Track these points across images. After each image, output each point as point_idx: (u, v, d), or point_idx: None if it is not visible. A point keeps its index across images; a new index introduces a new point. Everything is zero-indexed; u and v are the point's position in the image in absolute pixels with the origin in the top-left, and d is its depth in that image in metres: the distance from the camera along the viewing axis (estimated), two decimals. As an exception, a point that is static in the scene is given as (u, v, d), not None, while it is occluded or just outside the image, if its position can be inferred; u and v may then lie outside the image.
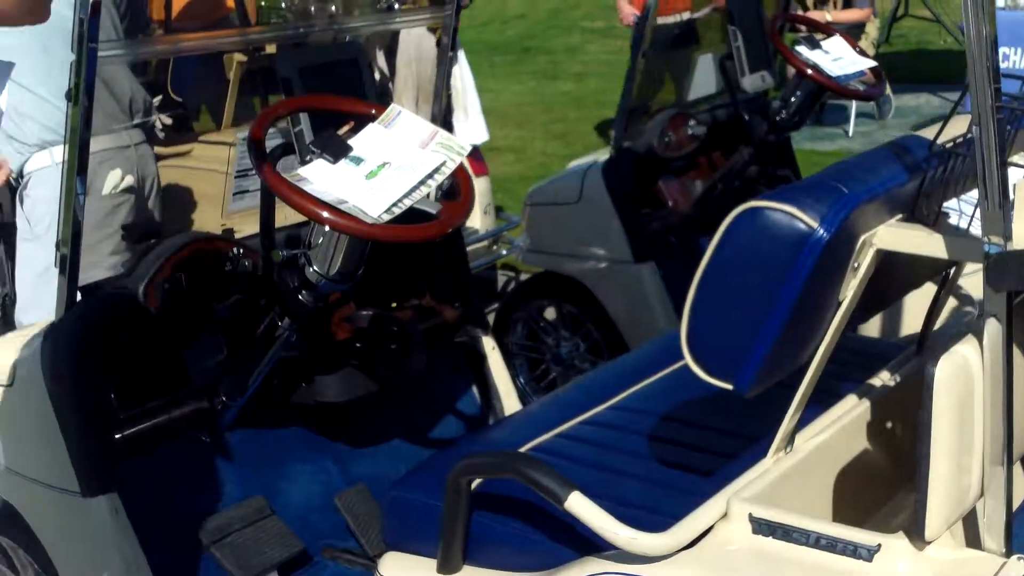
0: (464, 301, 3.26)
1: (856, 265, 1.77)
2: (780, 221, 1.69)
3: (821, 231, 1.66)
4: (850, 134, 8.79)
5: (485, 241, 5.46)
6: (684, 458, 2.13)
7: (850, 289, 1.79)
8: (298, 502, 2.86)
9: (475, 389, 3.31)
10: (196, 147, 4.39)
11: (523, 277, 5.41)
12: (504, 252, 5.55)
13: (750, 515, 1.79)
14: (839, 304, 1.81)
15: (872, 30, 8.71)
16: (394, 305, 3.19)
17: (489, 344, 3.32)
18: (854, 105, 8.70)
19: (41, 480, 2.58)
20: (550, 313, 4.72)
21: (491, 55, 12.97)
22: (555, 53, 13.82)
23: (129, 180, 3.49)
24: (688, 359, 1.80)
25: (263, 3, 4.36)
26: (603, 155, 4.44)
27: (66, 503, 2.52)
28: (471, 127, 5.50)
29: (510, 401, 3.30)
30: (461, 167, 2.31)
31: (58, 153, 3.31)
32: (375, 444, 3.06)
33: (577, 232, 4.39)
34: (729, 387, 1.79)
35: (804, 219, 1.67)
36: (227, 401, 2.66)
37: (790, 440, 1.99)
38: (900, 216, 1.83)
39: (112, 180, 3.47)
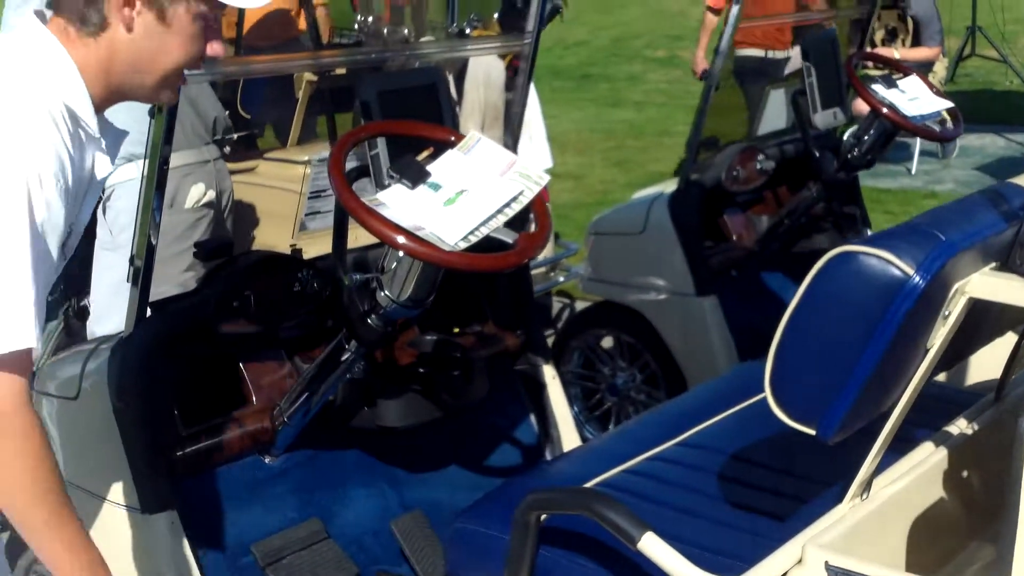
0: (526, 329, 3.24)
1: (947, 313, 1.73)
2: (875, 267, 1.65)
3: (917, 278, 1.62)
4: (913, 172, 8.69)
5: (543, 268, 5.45)
6: (755, 500, 2.08)
7: (939, 337, 1.74)
8: (354, 526, 2.83)
9: (533, 418, 3.28)
10: (261, 164, 4.41)
11: (578, 305, 5.38)
12: (561, 279, 5.53)
13: (826, 563, 1.74)
14: (926, 351, 1.76)
15: (940, 69, 8.62)
16: (456, 331, 3.17)
17: (550, 373, 3.29)
18: (918, 143, 8.60)
19: (101, 495, 2.57)
20: (607, 343, 4.69)
21: (551, 80, 12.97)
22: (616, 80, 13.81)
23: (211, 195, 3.52)
24: (770, 401, 1.76)
25: (336, 24, 4.38)
26: (670, 186, 4.41)
27: (125, 519, 2.51)
28: (536, 153, 5.49)
29: (568, 431, 3.27)
30: (539, 197, 2.29)
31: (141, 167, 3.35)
32: (432, 470, 3.03)
33: (640, 262, 4.36)
34: (812, 432, 1.74)
35: (900, 265, 1.63)
36: (288, 422, 2.65)
37: (867, 487, 1.94)
38: (994, 264, 1.78)
39: (195, 194, 3.50)
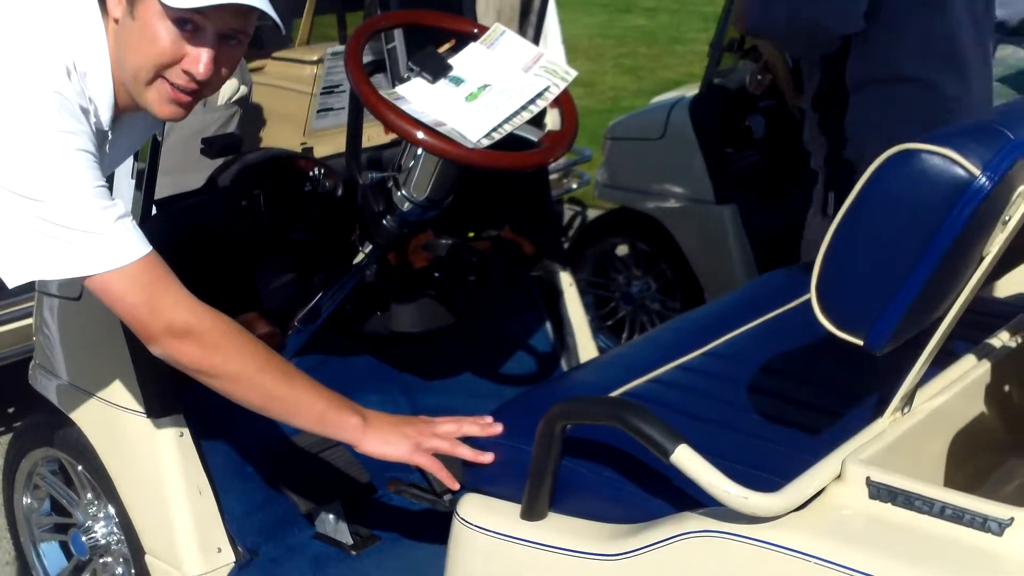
0: (543, 234, 3.14)
1: (1007, 218, 1.62)
2: (938, 166, 1.53)
3: (983, 179, 1.50)
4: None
5: (556, 174, 5.34)
6: (789, 412, 1.99)
7: (995, 244, 1.64)
8: (366, 433, 2.75)
9: (549, 325, 3.20)
10: (269, 64, 4.29)
11: (591, 212, 5.29)
12: (574, 186, 5.43)
13: (868, 479, 1.65)
14: (981, 259, 1.66)
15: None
16: (471, 235, 3.07)
17: (566, 280, 3.21)
18: None
19: (105, 398, 2.50)
20: (622, 251, 4.61)
21: (563, -15, 12.73)
22: (628, -14, 13.56)
23: (243, 90, 3.42)
24: (816, 309, 1.66)
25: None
26: (690, 91, 4.28)
27: (130, 422, 2.44)
28: (550, 53, 5.34)
29: (585, 339, 3.19)
30: (565, 93, 2.17)
31: None
32: (445, 377, 2.95)
33: (657, 169, 4.26)
34: (859, 343, 1.64)
35: (966, 165, 1.51)
36: (298, 326, 2.56)
37: (909, 400, 1.85)
38: (1059, 168, 1.67)
39: (227, 90, 3.41)
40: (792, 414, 1.98)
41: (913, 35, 2.66)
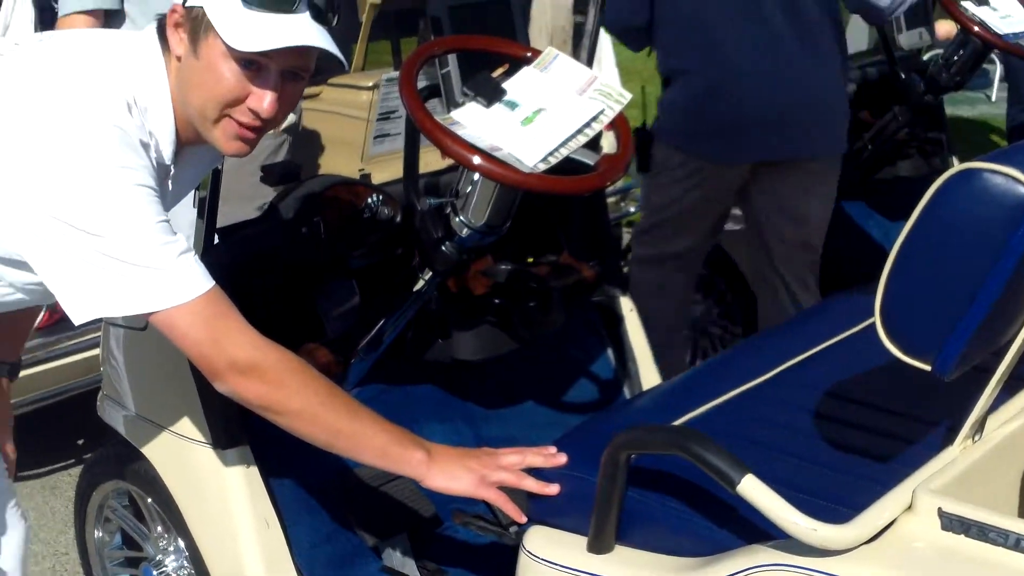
0: (602, 259, 3.12)
1: (1076, 238, 1.59)
2: (1002, 185, 1.51)
3: (1048, 198, 1.48)
4: (993, 99, 8.42)
5: (613, 198, 5.33)
6: (855, 440, 1.96)
7: (1065, 264, 1.61)
8: (429, 462, 2.75)
9: (610, 352, 3.18)
10: (325, 90, 4.32)
11: (648, 236, 5.25)
12: (632, 209, 5.40)
13: (939, 509, 1.62)
14: (1052, 281, 1.63)
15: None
16: (531, 260, 3.06)
17: (627, 305, 3.18)
18: (998, 68, 8.31)
19: (173, 429, 2.51)
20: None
21: (616, 7, 12.70)
22: (682, 7, 13.50)
23: (292, 118, 3.43)
24: (881, 334, 1.63)
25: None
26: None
27: (197, 454, 2.45)
28: (604, 77, 5.33)
29: (646, 365, 3.17)
30: (620, 116, 2.16)
31: None
32: (507, 405, 2.94)
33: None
34: (927, 368, 1.61)
35: (1030, 183, 1.48)
36: (359, 355, 2.56)
37: (980, 427, 1.81)
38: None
39: None
40: (860, 441, 1.95)
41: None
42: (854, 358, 2.23)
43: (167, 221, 1.78)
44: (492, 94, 2.09)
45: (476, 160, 1.97)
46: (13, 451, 2.43)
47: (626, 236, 5.90)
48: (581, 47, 3.21)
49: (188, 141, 1.91)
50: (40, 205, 1.71)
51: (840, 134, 3.44)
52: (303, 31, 1.78)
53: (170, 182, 1.93)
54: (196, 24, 1.78)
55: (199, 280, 1.78)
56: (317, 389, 1.88)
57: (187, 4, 1.79)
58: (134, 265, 1.72)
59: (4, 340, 2.39)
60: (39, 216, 1.71)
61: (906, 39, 4.04)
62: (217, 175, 2.28)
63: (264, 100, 1.80)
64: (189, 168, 2.01)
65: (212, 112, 1.81)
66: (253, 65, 1.78)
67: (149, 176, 1.77)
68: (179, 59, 1.82)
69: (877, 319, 1.63)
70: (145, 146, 1.79)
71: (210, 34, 1.77)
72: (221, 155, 2.05)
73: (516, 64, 2.22)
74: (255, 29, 1.75)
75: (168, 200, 1.93)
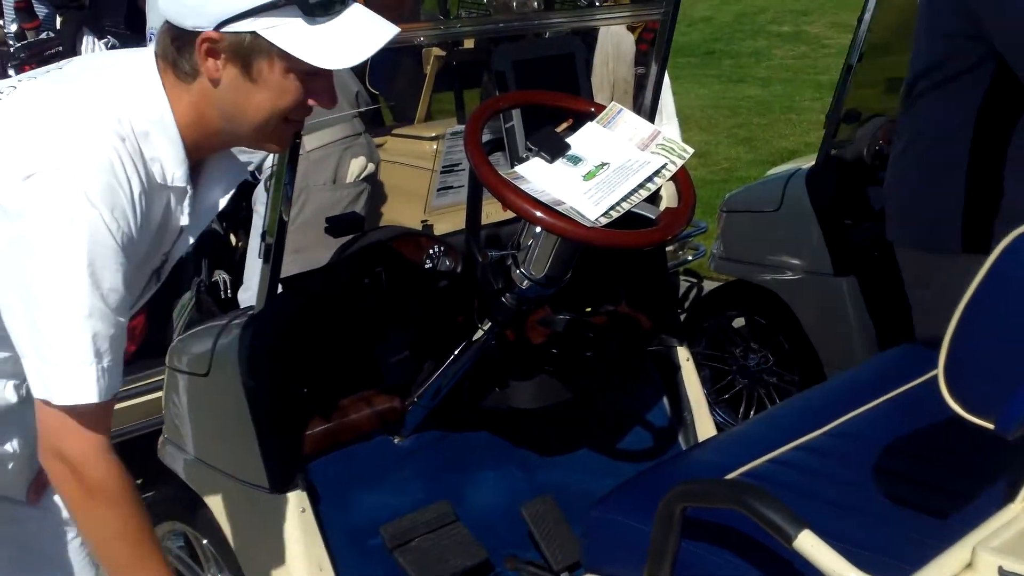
0: (660, 309, 3.13)
1: None
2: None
3: (1115, 257, 1.48)
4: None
5: (671, 246, 5.33)
6: (913, 495, 1.95)
7: None
8: (483, 509, 2.76)
9: (666, 401, 3.18)
10: (389, 140, 4.37)
11: (706, 284, 5.25)
12: (689, 258, 5.40)
13: (1000, 568, 1.61)
14: (1114, 339, 1.62)
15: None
16: (588, 310, 3.08)
17: (683, 355, 3.18)
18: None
19: (230, 472, 2.55)
20: (738, 323, 4.56)
21: (675, 57, 12.71)
22: (741, 57, 13.54)
23: (371, 168, 3.49)
24: (944, 392, 1.63)
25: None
26: (806, 163, 4.25)
27: (254, 498, 2.48)
28: (665, 128, 5.35)
29: (702, 416, 3.16)
30: (682, 170, 2.18)
31: (307, 142, 3.34)
32: (562, 453, 2.94)
33: (774, 241, 4.22)
34: (990, 427, 1.61)
35: (1097, 243, 1.48)
36: (418, 402, 2.59)
37: (1041, 485, 1.80)
38: None
39: (356, 167, 3.48)
40: (918, 497, 1.94)
41: None
42: (913, 412, 2.22)
43: (117, 295, 1.72)
44: (555, 149, 2.12)
45: (538, 214, 2.00)
46: None
47: (684, 284, 5.90)
48: (643, 97, 3.23)
49: (200, 158, 1.89)
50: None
51: None
52: (364, 25, 1.78)
53: (189, 203, 1.89)
54: (247, 50, 1.75)
55: (85, 391, 1.71)
56: (125, 520, 1.78)
57: (224, 30, 1.74)
58: (47, 346, 1.70)
59: None
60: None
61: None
62: (283, 225, 2.33)
63: (328, 97, 1.82)
64: (215, 186, 1.97)
65: (274, 123, 1.81)
66: (316, 71, 1.79)
67: (128, 227, 1.72)
68: (214, 83, 1.78)
69: (940, 377, 1.63)
70: (145, 175, 1.77)
71: (271, 57, 1.75)
72: (244, 167, 2.04)
73: (580, 119, 2.25)
74: (330, 42, 1.74)
75: (196, 217, 1.92)
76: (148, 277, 1.91)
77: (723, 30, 14.92)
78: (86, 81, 1.82)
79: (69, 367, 1.69)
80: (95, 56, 1.88)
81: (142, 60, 1.83)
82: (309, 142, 3.37)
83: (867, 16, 3.85)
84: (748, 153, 9.11)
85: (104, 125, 1.74)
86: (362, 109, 3.51)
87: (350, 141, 3.48)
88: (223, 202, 1.98)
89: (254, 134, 1.83)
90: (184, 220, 1.89)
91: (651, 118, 3.21)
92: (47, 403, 1.71)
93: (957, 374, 1.62)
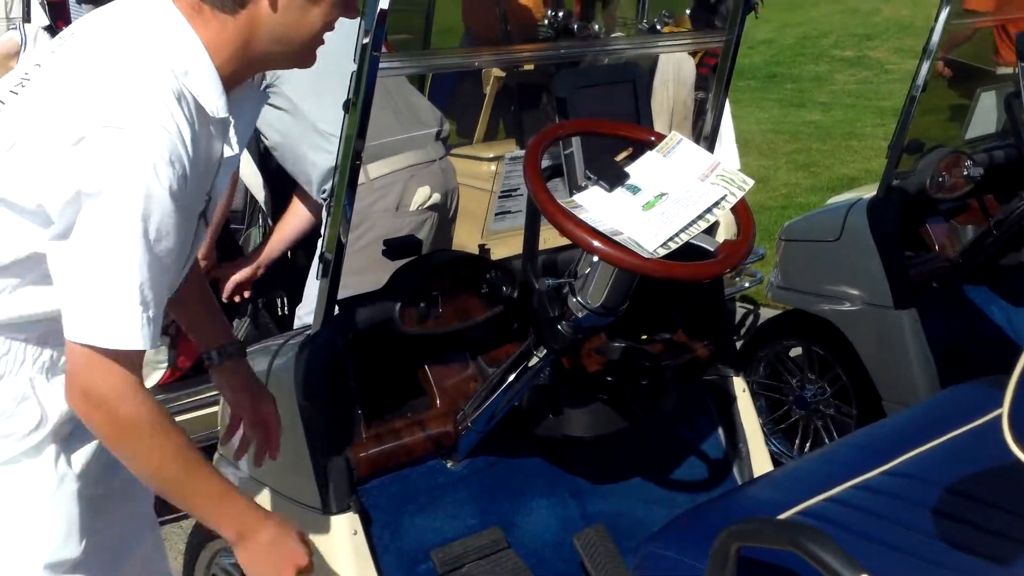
0: (716, 338, 3.11)
1: None
2: None
3: None
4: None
5: (728, 272, 5.28)
6: (972, 539, 1.92)
7: None
8: (534, 537, 2.75)
9: (722, 431, 3.15)
10: (448, 160, 4.37)
11: (763, 311, 5.21)
12: (747, 285, 5.36)
13: (1062, 618, 1.58)
14: None
15: None
16: (644, 338, 3.06)
17: (740, 385, 3.16)
18: None
19: (283, 493, 2.55)
20: (795, 353, 4.52)
21: (736, 80, 12.66)
22: (802, 81, 13.47)
23: (436, 197, 3.49)
24: (1009, 439, 1.60)
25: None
26: (867, 192, 4.21)
27: (306, 519, 2.48)
28: (723, 155, 5.32)
29: (758, 447, 3.13)
30: (742, 202, 2.16)
31: (372, 170, 3.35)
32: (616, 483, 2.93)
33: (834, 271, 4.17)
34: (1054, 474, 1.58)
35: None
36: (471, 427, 2.58)
37: (1106, 534, 1.76)
38: None
39: (420, 196, 3.47)
40: (979, 542, 1.90)
41: None
42: (974, 454, 2.19)
43: (167, 245, 1.75)
44: (614, 179, 2.11)
45: (596, 244, 1.99)
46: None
47: (740, 311, 5.86)
48: (703, 124, 3.22)
49: (233, 85, 1.92)
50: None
51: None
52: None
53: (234, 131, 1.91)
54: None
55: (132, 337, 1.75)
56: (167, 445, 1.83)
57: None
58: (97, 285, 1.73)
59: (202, 324, 2.31)
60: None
61: (1036, 123, 3.96)
62: (341, 247, 2.33)
63: (354, 9, 1.89)
64: (240, 117, 1.98)
65: (319, 38, 1.88)
66: None
67: (183, 171, 1.75)
68: (273, 6, 1.82)
69: (1005, 423, 1.60)
70: (193, 114, 1.80)
71: None
72: (262, 94, 2.10)
73: (640, 148, 2.24)
74: None
75: (235, 151, 1.94)
76: (196, 222, 1.92)
77: (785, 53, 14.85)
78: (112, 38, 1.83)
79: (118, 312, 1.73)
80: (98, 15, 1.89)
81: (156, 8, 1.84)
82: (374, 170, 3.37)
83: (932, 45, 3.80)
84: (808, 179, 9.03)
85: (146, 74, 1.76)
86: (415, 134, 3.50)
87: (417, 169, 3.48)
88: (250, 130, 2.02)
89: (302, 52, 1.90)
90: (231, 150, 1.91)
91: (711, 145, 3.20)
92: (85, 346, 1.74)
93: (1023, 418, 1.59)
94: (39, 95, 1.82)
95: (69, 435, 2.02)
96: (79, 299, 1.74)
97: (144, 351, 1.78)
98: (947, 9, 3.69)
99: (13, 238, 1.84)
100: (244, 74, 1.92)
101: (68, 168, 1.72)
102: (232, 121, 1.89)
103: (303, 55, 1.92)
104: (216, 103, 1.84)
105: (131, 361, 1.78)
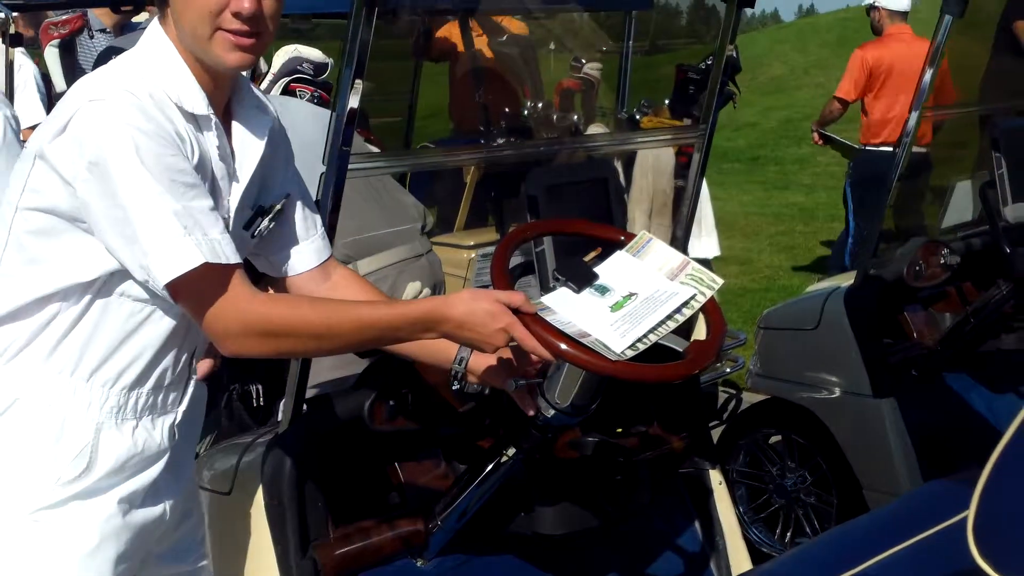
0: (692, 431, 3.08)
1: None
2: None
3: None
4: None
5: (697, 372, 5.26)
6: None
7: None
8: (508, 635, 2.71)
9: (698, 525, 3.11)
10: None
11: (745, 396, 5.20)
12: (728, 370, 5.34)
13: None
14: None
15: None
16: (619, 431, 3.03)
17: (716, 478, 3.13)
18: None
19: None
20: (775, 440, 4.50)
21: (720, 163, 12.83)
22: (785, 163, 13.59)
23: (426, 292, 3.50)
24: (972, 548, 1.57)
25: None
26: (846, 280, 4.22)
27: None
28: (704, 241, 5.35)
29: (735, 541, 3.09)
30: (712, 302, 2.15)
31: (363, 266, 3.36)
32: None
33: (812, 359, 4.17)
34: (1021, 587, 1.55)
35: None
36: (442, 525, 2.54)
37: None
38: None
39: (411, 291, 3.47)
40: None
41: None
42: (953, 553, 2.15)
43: (183, 175, 1.87)
44: (583, 280, 2.10)
45: (563, 347, 1.98)
46: None
47: (722, 396, 5.84)
48: (683, 207, 3.23)
49: (212, 90, 2.01)
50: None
51: None
52: None
53: (216, 131, 2.00)
54: None
55: (187, 258, 1.85)
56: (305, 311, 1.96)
57: None
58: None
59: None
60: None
61: (1012, 212, 3.98)
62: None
63: (244, 1, 1.92)
64: (248, 133, 2.08)
65: (204, 29, 1.93)
66: None
67: (164, 124, 1.88)
68: (167, 3, 1.97)
69: (970, 533, 1.57)
70: (172, 107, 1.93)
71: None
72: (269, 120, 2.13)
73: (609, 247, 2.24)
74: None
75: (240, 168, 2.04)
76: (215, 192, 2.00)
77: (768, 136, 14.99)
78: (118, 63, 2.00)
79: (164, 246, 1.83)
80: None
81: (149, 29, 2.03)
82: (364, 266, 3.38)
83: (908, 137, 3.84)
84: (790, 261, 9.07)
85: (125, 70, 1.95)
86: (401, 228, 3.51)
87: (406, 264, 3.49)
88: (260, 150, 2.09)
89: (199, 45, 1.95)
90: (216, 152, 2.00)
91: (687, 234, 3.20)
92: (170, 285, 1.85)
93: (989, 534, 1.56)
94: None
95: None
96: (132, 256, 1.85)
97: (233, 265, 1.88)
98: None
99: (85, 253, 1.93)
100: (211, 74, 2.00)
101: (68, 148, 1.86)
102: (215, 119, 1.99)
103: (205, 47, 1.95)
104: (194, 99, 1.96)
105: (224, 280, 1.88)
